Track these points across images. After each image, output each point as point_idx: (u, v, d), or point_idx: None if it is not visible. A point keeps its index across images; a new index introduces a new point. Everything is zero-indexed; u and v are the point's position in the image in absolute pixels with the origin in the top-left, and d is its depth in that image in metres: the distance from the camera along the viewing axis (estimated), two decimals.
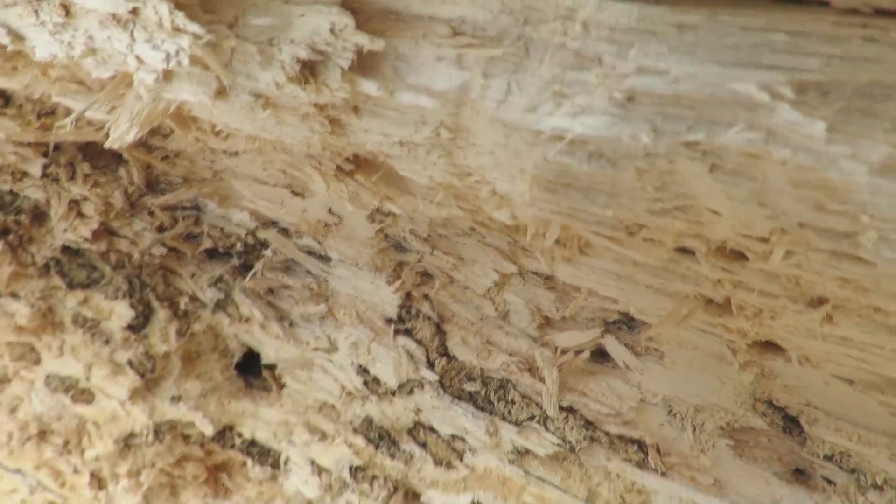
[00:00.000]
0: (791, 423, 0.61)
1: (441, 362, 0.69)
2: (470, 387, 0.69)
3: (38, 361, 0.87)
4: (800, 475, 0.63)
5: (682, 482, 0.63)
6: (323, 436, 0.74)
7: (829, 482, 0.60)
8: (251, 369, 0.90)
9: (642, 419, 0.64)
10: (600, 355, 0.69)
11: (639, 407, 0.64)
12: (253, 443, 0.77)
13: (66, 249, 0.85)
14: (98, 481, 0.86)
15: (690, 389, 0.63)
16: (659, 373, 0.64)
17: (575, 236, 0.60)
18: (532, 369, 0.66)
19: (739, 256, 0.48)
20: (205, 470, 0.87)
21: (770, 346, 0.59)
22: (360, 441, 0.71)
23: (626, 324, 0.67)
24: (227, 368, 0.87)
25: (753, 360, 0.59)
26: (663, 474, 0.63)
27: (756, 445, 0.63)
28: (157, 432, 0.80)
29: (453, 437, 0.70)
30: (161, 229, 0.85)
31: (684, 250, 0.48)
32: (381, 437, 0.71)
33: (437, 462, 0.70)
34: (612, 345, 0.66)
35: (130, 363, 0.81)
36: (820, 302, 0.46)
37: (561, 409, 0.65)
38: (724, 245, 0.46)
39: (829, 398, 0.57)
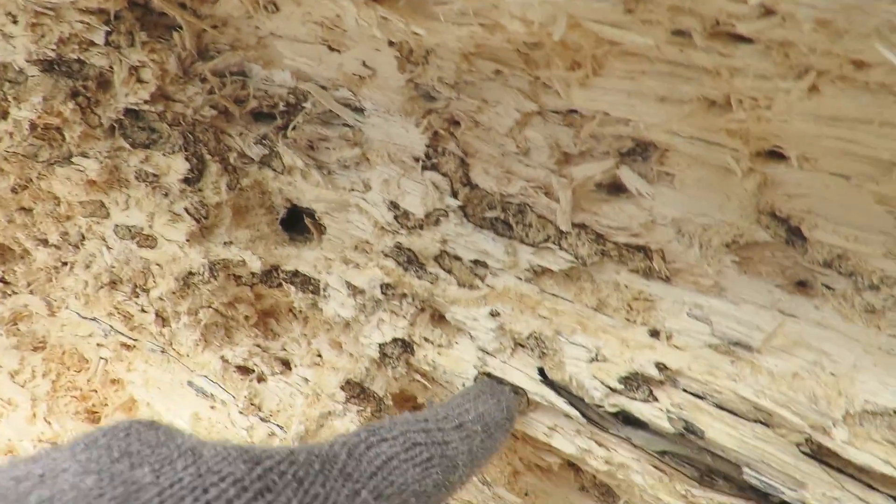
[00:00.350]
0: (793, 235, 0.64)
1: (464, 191, 0.74)
2: (491, 214, 0.74)
3: (107, 216, 0.97)
4: (801, 286, 0.67)
5: (686, 286, 0.67)
6: (357, 265, 0.81)
7: (829, 288, 0.64)
8: (295, 227, 0.97)
9: (651, 236, 0.68)
10: (615, 188, 0.73)
11: (648, 226, 0.68)
12: (296, 273, 0.85)
13: (128, 112, 0.93)
14: (162, 320, 0.97)
15: (699, 208, 0.67)
16: (669, 196, 0.68)
17: (586, 53, 0.64)
18: (549, 192, 0.71)
19: (733, 39, 0.51)
20: (255, 313, 0.96)
21: (772, 155, 0.62)
22: (390, 263, 0.77)
23: (639, 154, 0.71)
24: (272, 223, 0.95)
25: (756, 169, 0.62)
26: (667, 279, 0.67)
27: (760, 261, 0.67)
28: (212, 270, 0.89)
29: (476, 262, 0.76)
30: (211, 94, 0.92)
31: (682, 33, 0.52)
32: (409, 261, 0.78)
33: (461, 284, 0.76)
34: (626, 174, 0.70)
35: (187, 210, 0.90)
36: (805, 71, 0.49)
37: (574, 225, 0.70)
38: (718, 27, 0.50)
39: (828, 202, 0.60)
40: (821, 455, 0.57)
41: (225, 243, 0.91)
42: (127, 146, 0.94)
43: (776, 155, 0.62)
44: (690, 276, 0.67)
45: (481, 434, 0.61)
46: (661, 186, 0.69)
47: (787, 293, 0.66)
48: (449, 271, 0.77)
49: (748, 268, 0.68)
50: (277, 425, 0.86)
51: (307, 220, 0.90)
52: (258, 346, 0.95)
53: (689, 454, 0.64)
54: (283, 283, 0.86)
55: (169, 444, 0.42)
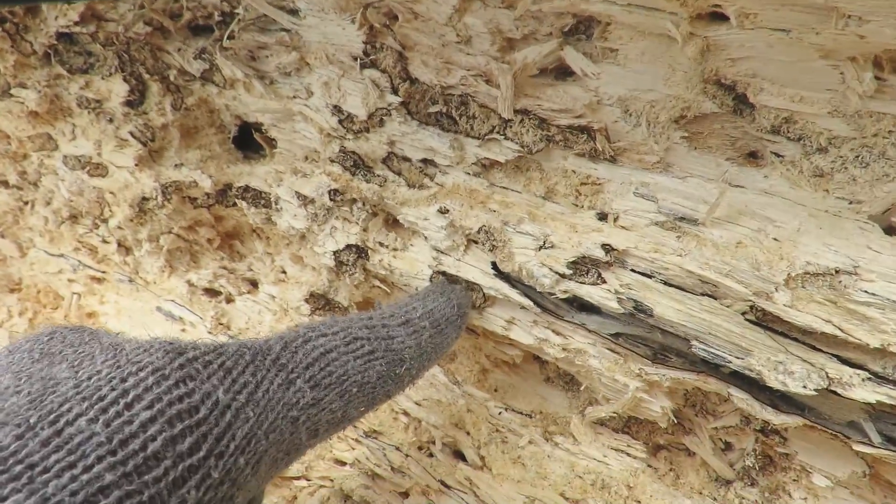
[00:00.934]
0: (740, 103, 0.62)
1: (404, 86, 0.71)
2: (434, 109, 0.71)
3: (56, 148, 0.95)
4: (752, 158, 0.65)
5: (632, 165, 0.65)
6: (304, 175, 0.79)
7: (778, 156, 0.62)
8: (250, 145, 0.95)
9: (595, 116, 0.66)
10: (560, 72, 0.70)
11: (593, 106, 0.66)
12: (247, 189, 0.84)
13: (61, 37, 0.89)
14: (125, 249, 0.96)
15: (645, 84, 0.64)
16: (614, 74, 0.65)
17: None
18: (489, 80, 0.68)
19: None
20: (217, 235, 0.96)
21: (713, 18, 0.59)
22: (336, 169, 0.76)
23: (583, 32, 0.67)
24: (224, 142, 0.93)
25: (697, 33, 0.59)
26: (613, 159, 0.66)
27: (710, 134, 0.65)
28: (165, 193, 0.87)
29: (425, 161, 0.74)
30: (143, 9, 0.88)
31: None
32: (356, 165, 0.76)
33: (410, 185, 0.75)
34: (570, 54, 0.67)
35: (132, 134, 0.87)
36: None
37: (516, 112, 0.67)
38: None
39: (772, 63, 0.57)
40: (765, 321, 0.57)
41: (175, 165, 0.89)
42: (64, 73, 0.91)
43: (717, 17, 0.59)
44: (636, 154, 0.65)
45: (430, 329, 0.60)
46: (605, 64, 0.66)
47: (736, 165, 0.64)
48: (398, 173, 0.75)
49: (698, 143, 0.66)
50: None
51: (256, 135, 0.87)
52: (224, 268, 0.95)
53: (641, 334, 0.64)
54: (237, 200, 0.85)
55: (92, 343, 0.41)
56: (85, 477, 0.31)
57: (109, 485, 0.31)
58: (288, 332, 0.51)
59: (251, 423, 0.40)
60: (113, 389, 0.35)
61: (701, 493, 0.71)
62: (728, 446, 0.71)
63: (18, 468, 0.30)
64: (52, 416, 0.32)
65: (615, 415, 0.72)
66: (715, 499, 0.70)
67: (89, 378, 0.36)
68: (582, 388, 0.75)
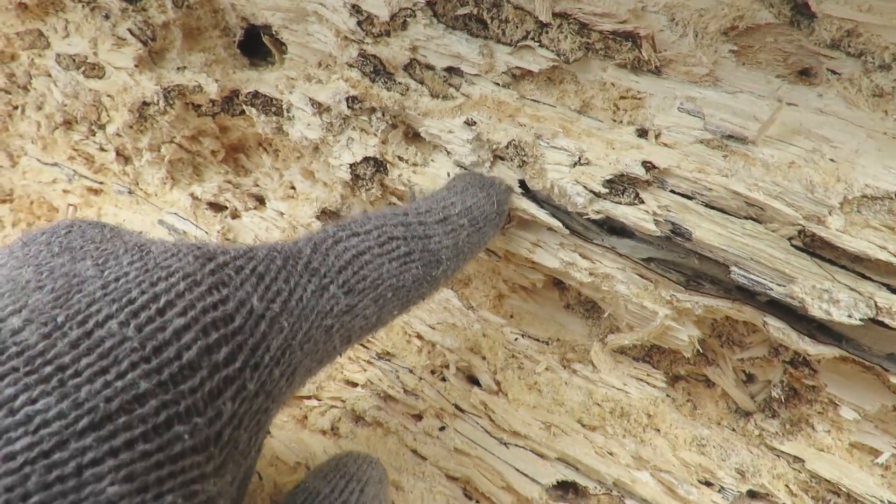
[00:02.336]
0: (799, 13, 0.57)
1: None
2: (463, 10, 0.66)
3: (47, 46, 0.88)
4: (804, 76, 0.60)
5: (677, 78, 0.61)
6: (319, 80, 0.74)
7: (835, 73, 0.57)
8: (256, 52, 0.89)
9: (640, 23, 0.61)
10: None
11: (637, 13, 0.60)
12: (256, 95, 0.78)
13: None
14: (124, 159, 0.91)
15: None
16: None
17: None
18: None
19: None
20: (222, 147, 0.91)
21: None
22: (355, 74, 0.71)
23: None
24: (230, 46, 0.87)
25: None
26: (657, 71, 0.61)
27: (761, 48, 0.60)
28: (167, 97, 0.82)
29: (449, 70, 0.69)
30: None
31: None
32: (376, 70, 0.71)
33: (434, 95, 0.70)
34: None
35: (131, 32, 0.81)
36: None
37: (554, 15, 0.62)
38: None
39: None
40: (813, 247, 0.54)
41: (178, 68, 0.83)
42: None
43: None
44: (683, 66, 0.60)
45: (468, 228, 0.57)
46: None
47: (788, 83, 0.60)
48: (421, 81, 0.70)
49: (747, 58, 0.61)
50: None
51: (265, 39, 0.81)
52: (229, 182, 0.91)
53: (675, 259, 0.61)
54: (245, 106, 0.80)
55: (115, 241, 0.38)
56: (119, 384, 0.28)
57: (145, 393, 0.29)
58: (316, 233, 0.47)
59: (285, 334, 0.37)
60: (143, 293, 0.32)
61: (720, 424, 0.70)
62: (750, 378, 0.70)
63: (48, 370, 0.27)
64: (80, 317, 0.30)
65: (637, 343, 0.70)
66: (734, 429, 0.69)
67: (116, 279, 0.33)
68: (605, 316, 0.73)
